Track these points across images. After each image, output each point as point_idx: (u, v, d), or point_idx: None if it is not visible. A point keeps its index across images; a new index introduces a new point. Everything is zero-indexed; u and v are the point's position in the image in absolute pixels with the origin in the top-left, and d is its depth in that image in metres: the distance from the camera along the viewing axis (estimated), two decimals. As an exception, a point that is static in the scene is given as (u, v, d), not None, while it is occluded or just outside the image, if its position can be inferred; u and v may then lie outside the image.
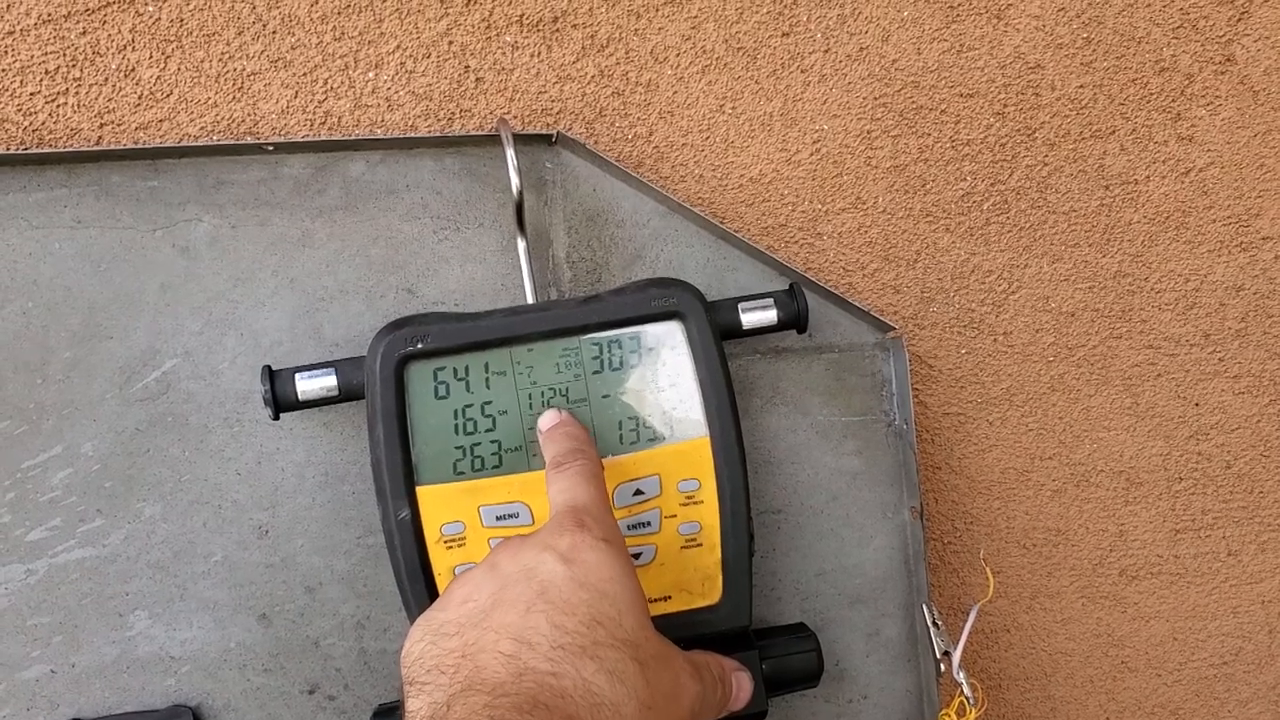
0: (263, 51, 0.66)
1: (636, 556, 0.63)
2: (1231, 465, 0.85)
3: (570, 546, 0.50)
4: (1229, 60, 0.79)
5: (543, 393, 0.62)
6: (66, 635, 0.64)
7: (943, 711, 0.69)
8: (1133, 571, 0.85)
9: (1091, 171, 0.78)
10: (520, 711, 0.42)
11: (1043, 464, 0.82)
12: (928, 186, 0.76)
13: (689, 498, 0.63)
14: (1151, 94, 0.78)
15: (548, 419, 0.62)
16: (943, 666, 0.70)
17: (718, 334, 0.63)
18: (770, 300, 0.66)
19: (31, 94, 0.64)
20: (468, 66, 0.69)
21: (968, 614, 0.70)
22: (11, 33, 0.63)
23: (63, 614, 0.64)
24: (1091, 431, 0.82)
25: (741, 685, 0.60)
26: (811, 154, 0.74)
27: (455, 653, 0.46)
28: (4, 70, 0.63)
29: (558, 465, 0.57)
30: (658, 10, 0.70)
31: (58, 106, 0.64)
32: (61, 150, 0.63)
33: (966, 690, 0.68)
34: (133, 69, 0.65)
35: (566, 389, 0.63)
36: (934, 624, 0.72)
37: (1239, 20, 0.78)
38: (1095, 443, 0.83)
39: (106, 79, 0.65)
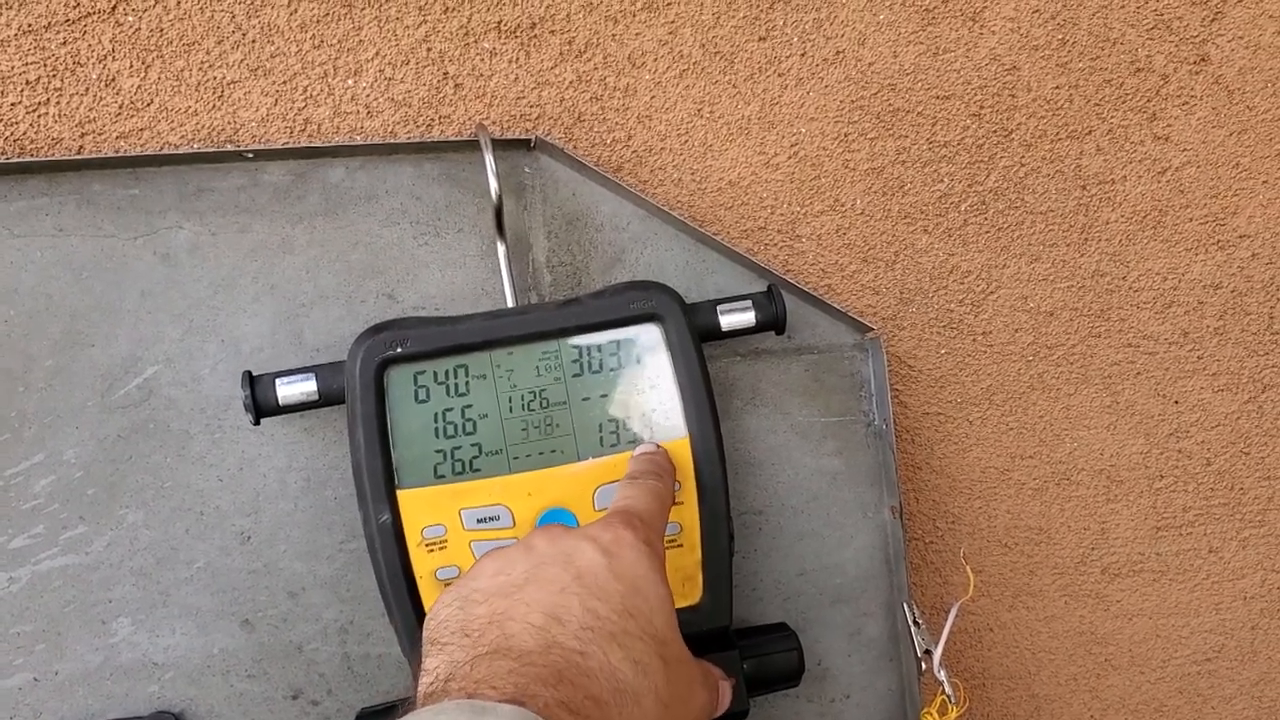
0: (242, 60, 0.66)
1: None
2: (1211, 463, 0.86)
3: (613, 541, 0.50)
4: (1204, 60, 0.80)
5: (522, 396, 0.63)
6: (50, 643, 0.64)
7: (925, 710, 0.70)
8: (1115, 569, 0.86)
9: (1068, 172, 0.79)
10: (545, 683, 0.41)
11: (1023, 463, 0.82)
12: (905, 188, 0.77)
13: (670, 499, 0.64)
14: (1127, 94, 0.79)
15: (643, 447, 0.63)
16: (924, 665, 0.71)
17: (697, 336, 0.64)
18: (749, 302, 0.66)
19: (12, 104, 0.64)
20: (446, 73, 0.69)
21: (949, 613, 0.70)
22: (-9, 43, 0.63)
23: (46, 621, 0.64)
24: (1072, 430, 0.83)
25: (725, 694, 0.60)
26: (789, 157, 0.74)
27: (483, 618, 0.46)
28: (-16, 80, 0.64)
29: (630, 477, 0.58)
30: (635, 16, 0.71)
31: (39, 116, 0.65)
32: (42, 159, 0.63)
33: (948, 689, 0.69)
34: (113, 78, 0.65)
35: (546, 392, 0.63)
36: (915, 623, 0.72)
37: (1213, 20, 0.79)
38: (1075, 441, 0.83)
39: (87, 89, 0.65)
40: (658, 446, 0.62)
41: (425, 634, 0.48)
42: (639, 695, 0.45)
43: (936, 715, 0.69)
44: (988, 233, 0.78)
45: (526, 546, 0.51)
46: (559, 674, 0.43)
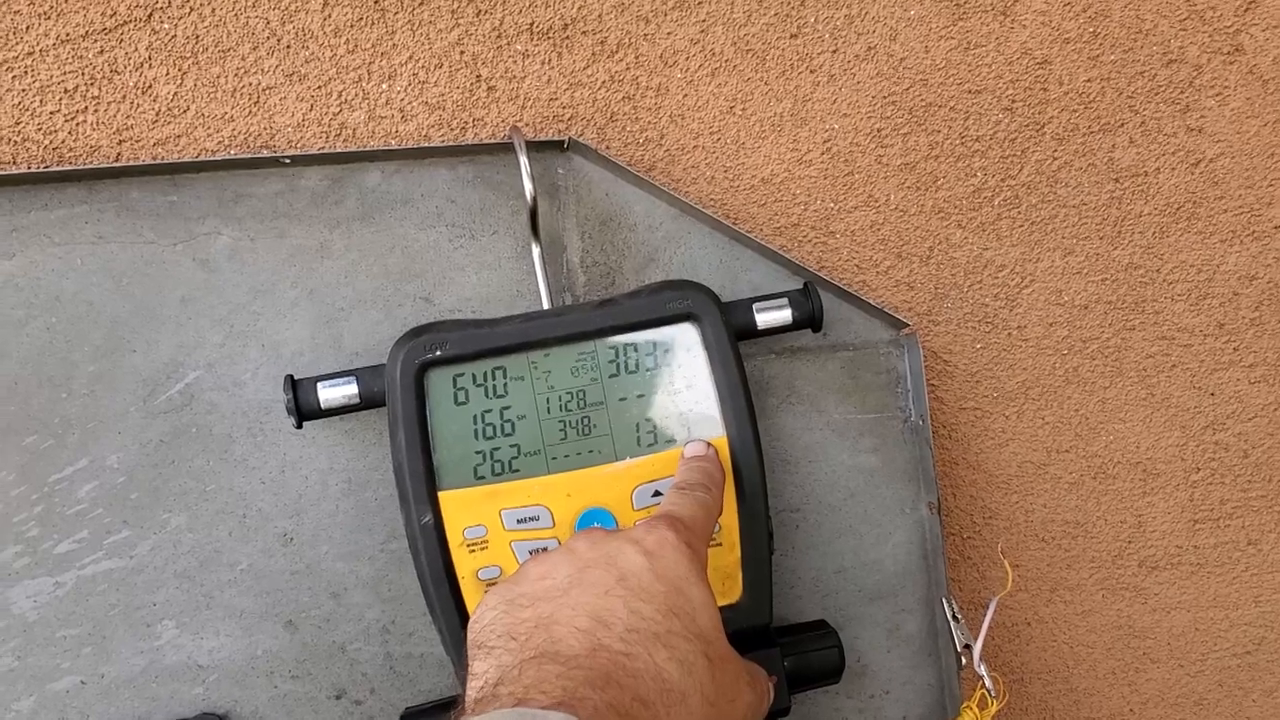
0: (278, 66, 0.67)
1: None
2: (1249, 454, 0.85)
3: (655, 543, 0.50)
4: (1237, 50, 0.79)
5: (560, 397, 0.63)
6: (95, 646, 0.64)
7: (965, 705, 0.70)
8: (1152, 562, 0.86)
9: (1101, 165, 0.79)
10: (593, 686, 0.42)
11: (1060, 457, 0.82)
12: (939, 183, 0.76)
13: (708, 498, 0.64)
14: (1160, 86, 0.79)
15: (693, 448, 0.62)
16: (963, 660, 0.71)
17: (733, 335, 0.64)
18: (785, 300, 0.66)
19: (51, 113, 0.65)
20: (479, 76, 0.69)
21: (987, 607, 0.70)
22: (31, 53, 0.64)
23: (91, 625, 0.64)
24: (1108, 423, 0.83)
25: (770, 694, 0.60)
26: (822, 153, 0.74)
27: (529, 622, 0.46)
28: (24, 90, 0.64)
29: (679, 487, 0.57)
30: (666, 15, 0.71)
31: (77, 125, 0.65)
32: (81, 168, 0.64)
33: (988, 683, 0.69)
34: (150, 86, 0.66)
35: (584, 392, 0.63)
36: (954, 618, 0.72)
37: (1246, 10, 0.78)
38: (1112, 435, 0.83)
39: (124, 96, 0.65)
40: (709, 446, 0.62)
41: (471, 637, 0.48)
42: (685, 695, 0.45)
43: (976, 710, 0.69)
44: (1021, 227, 0.78)
45: (569, 550, 0.51)
46: (606, 676, 0.43)
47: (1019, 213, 0.78)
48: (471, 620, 0.49)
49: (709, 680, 0.46)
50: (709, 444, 0.63)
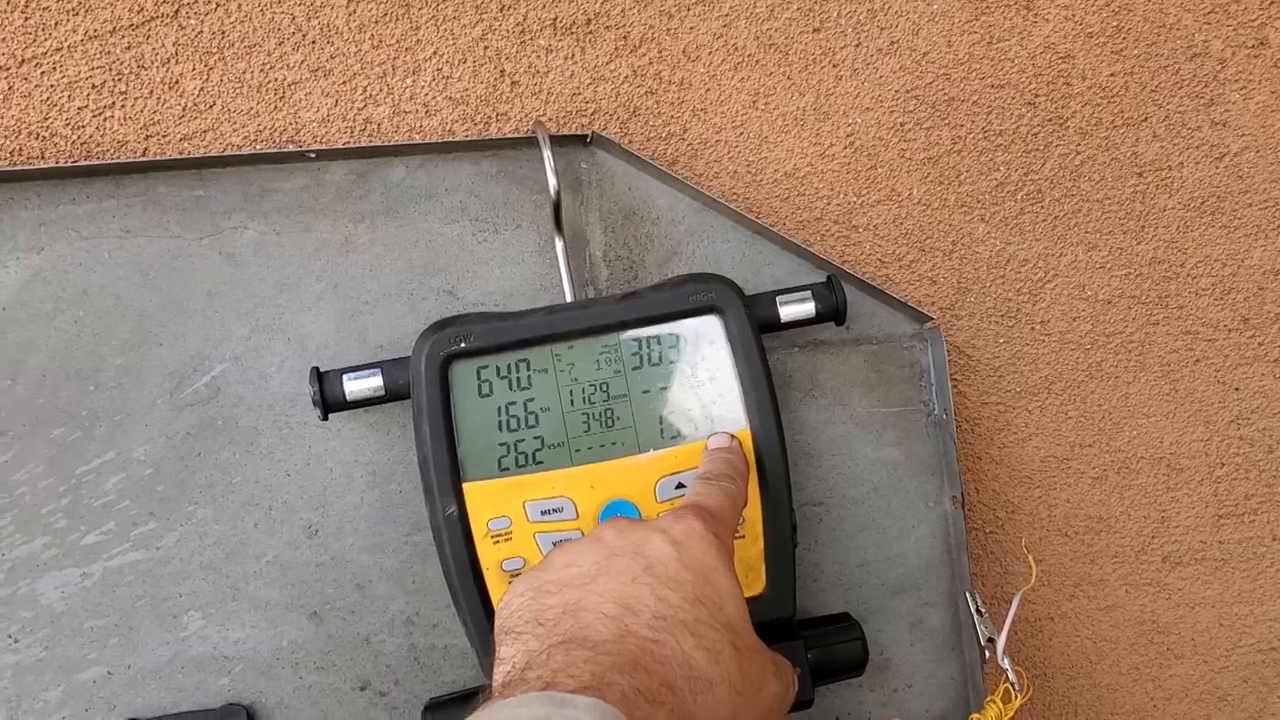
0: (303, 61, 0.67)
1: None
2: (1274, 450, 0.85)
3: (683, 532, 0.50)
4: (1262, 44, 0.79)
5: (583, 389, 0.63)
6: (122, 637, 0.65)
7: (988, 699, 0.70)
8: (1176, 558, 0.85)
9: (1124, 159, 0.79)
10: (620, 671, 0.42)
11: (1083, 451, 0.82)
12: (961, 177, 0.76)
13: (731, 490, 0.64)
14: (1184, 80, 0.78)
15: (716, 440, 0.62)
16: (987, 654, 0.70)
17: (756, 328, 0.64)
18: (808, 293, 0.67)
19: (79, 108, 0.65)
20: (503, 70, 0.70)
21: (1011, 602, 0.70)
22: (59, 49, 0.64)
23: (118, 616, 0.65)
24: (1131, 418, 0.82)
25: (795, 686, 0.60)
26: (845, 147, 0.74)
27: (557, 608, 0.47)
28: (52, 86, 0.65)
29: (704, 478, 0.58)
30: (689, 10, 0.71)
31: (104, 120, 0.66)
32: (109, 162, 0.65)
33: (1011, 676, 0.69)
34: (176, 81, 0.66)
35: (607, 385, 0.63)
36: (978, 612, 0.72)
37: (1272, 3, 0.78)
38: (1135, 429, 0.83)
39: (151, 92, 0.66)
40: (732, 438, 0.63)
41: (499, 623, 0.48)
42: (713, 683, 0.45)
43: (1000, 704, 0.69)
44: (1044, 221, 0.78)
45: (596, 538, 0.51)
46: (634, 662, 0.43)
47: (1042, 207, 0.78)
48: (499, 607, 0.49)
49: (736, 669, 0.47)
50: (732, 436, 0.63)
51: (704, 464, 0.60)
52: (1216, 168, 0.80)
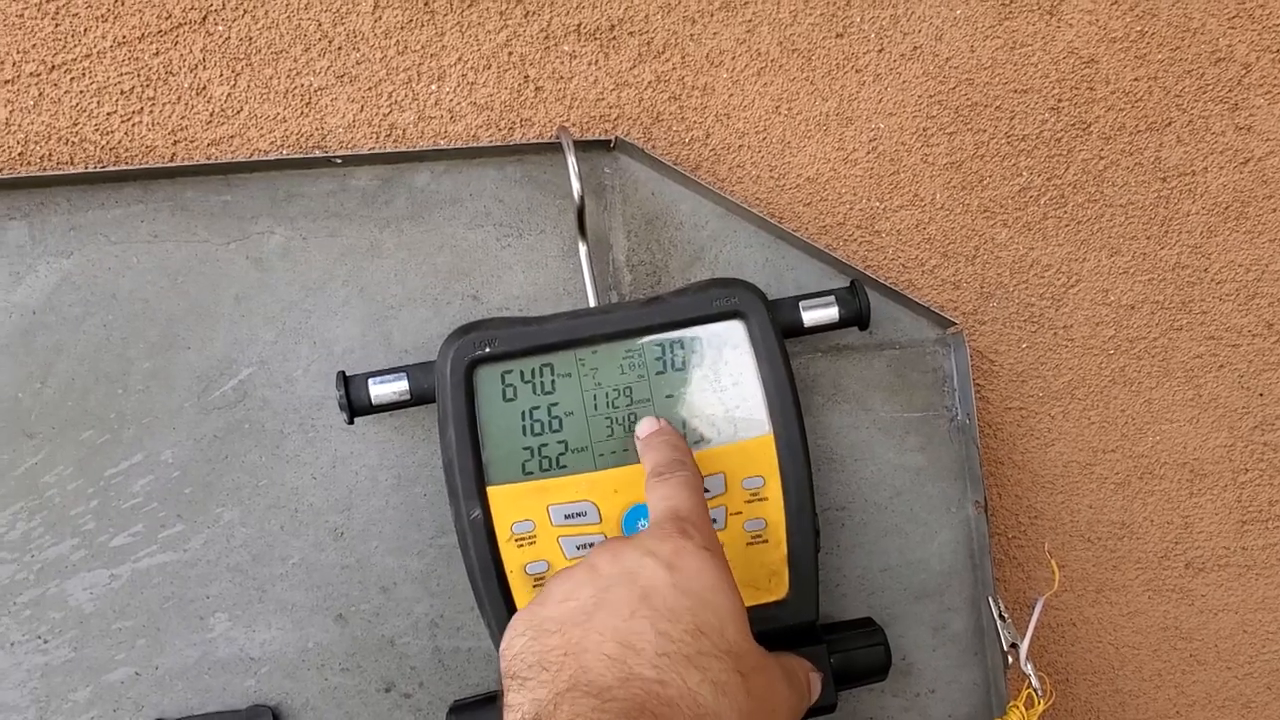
0: (329, 67, 0.68)
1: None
2: (1298, 455, 0.85)
3: (673, 552, 0.49)
4: (1286, 49, 0.79)
5: (607, 394, 0.63)
6: (150, 638, 0.65)
7: (1011, 704, 0.70)
8: (1199, 564, 0.85)
9: (1148, 164, 0.78)
10: (628, 718, 0.42)
11: (1106, 457, 0.82)
12: (985, 182, 0.76)
13: (754, 495, 0.64)
14: (1208, 85, 0.78)
15: (645, 426, 0.62)
16: (1010, 659, 0.70)
17: (779, 332, 0.64)
18: (831, 298, 0.67)
19: (108, 114, 0.66)
20: (527, 76, 0.70)
21: (1033, 607, 0.70)
22: (89, 55, 0.65)
23: (146, 617, 0.65)
24: (1154, 424, 0.82)
25: (814, 686, 0.60)
26: (868, 152, 0.75)
27: (558, 650, 0.46)
28: (82, 92, 0.65)
29: (659, 474, 0.57)
30: (712, 15, 0.71)
31: (133, 125, 0.66)
32: (137, 168, 0.65)
33: (1034, 682, 0.69)
34: (204, 87, 0.67)
35: (630, 389, 0.64)
36: (1000, 617, 0.72)
37: (1295, 8, 0.78)
38: (1158, 435, 0.82)
39: (179, 97, 0.67)
40: (659, 421, 0.62)
41: (503, 665, 0.49)
42: (720, 716, 0.45)
43: (1023, 709, 0.69)
44: (1067, 226, 0.78)
45: (590, 567, 0.51)
46: (641, 707, 0.43)
47: (1065, 212, 0.78)
48: (502, 647, 0.49)
49: (743, 696, 0.46)
50: (656, 417, 0.63)
51: (648, 457, 0.59)
52: (1240, 173, 0.80)
